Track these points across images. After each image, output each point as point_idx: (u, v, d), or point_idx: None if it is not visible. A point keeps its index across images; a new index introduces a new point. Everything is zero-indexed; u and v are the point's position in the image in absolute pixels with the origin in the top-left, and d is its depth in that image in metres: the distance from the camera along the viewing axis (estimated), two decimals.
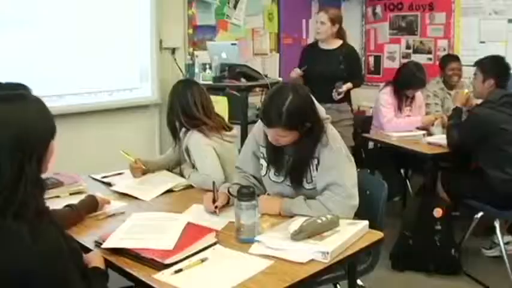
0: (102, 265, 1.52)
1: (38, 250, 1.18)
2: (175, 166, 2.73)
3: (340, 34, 4.00)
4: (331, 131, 2.03)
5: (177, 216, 1.88)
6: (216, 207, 2.00)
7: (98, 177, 2.54)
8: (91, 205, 1.99)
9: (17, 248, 1.17)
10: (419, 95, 4.04)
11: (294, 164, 2.01)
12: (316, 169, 1.99)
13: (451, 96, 4.24)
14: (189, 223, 1.78)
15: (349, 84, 3.91)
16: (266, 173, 2.11)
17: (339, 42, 3.98)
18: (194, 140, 2.49)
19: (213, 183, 2.09)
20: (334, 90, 3.83)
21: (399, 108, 3.90)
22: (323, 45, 4.01)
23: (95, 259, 1.54)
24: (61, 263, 1.24)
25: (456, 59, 4.34)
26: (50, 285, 1.21)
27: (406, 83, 3.86)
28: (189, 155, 2.55)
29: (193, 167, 2.53)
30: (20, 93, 1.29)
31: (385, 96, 3.88)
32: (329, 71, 3.87)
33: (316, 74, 3.85)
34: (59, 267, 1.23)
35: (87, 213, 1.96)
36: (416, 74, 3.82)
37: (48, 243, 1.21)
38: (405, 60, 5.55)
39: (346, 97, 4.01)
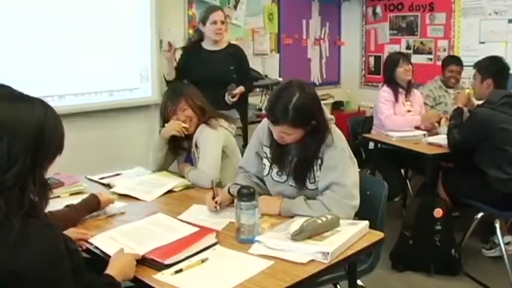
0: (116, 274, 1.46)
1: (31, 252, 1.18)
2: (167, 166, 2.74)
3: None
4: (336, 131, 2.03)
5: (178, 226, 1.82)
6: (216, 202, 2.01)
7: (96, 178, 2.53)
8: (92, 204, 1.98)
9: (11, 249, 1.16)
10: (418, 94, 4.05)
11: (298, 163, 2.01)
12: (320, 169, 1.99)
13: (449, 94, 4.25)
14: (188, 224, 1.78)
15: (241, 87, 3.56)
16: (269, 172, 2.11)
17: (225, 43, 3.70)
18: (205, 134, 2.50)
19: (212, 181, 2.10)
20: (226, 94, 3.48)
21: (396, 100, 3.90)
22: (208, 46, 3.63)
23: (114, 265, 1.49)
24: (54, 267, 1.22)
25: (457, 61, 4.35)
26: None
27: (393, 74, 3.92)
28: (196, 149, 2.55)
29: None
30: (41, 99, 1.29)
31: (384, 94, 3.91)
32: (219, 72, 3.52)
33: (204, 77, 3.41)
34: (52, 271, 1.22)
35: (88, 212, 1.96)
36: (400, 61, 3.89)
37: (44, 246, 1.21)
38: None
39: (242, 103, 3.66)
